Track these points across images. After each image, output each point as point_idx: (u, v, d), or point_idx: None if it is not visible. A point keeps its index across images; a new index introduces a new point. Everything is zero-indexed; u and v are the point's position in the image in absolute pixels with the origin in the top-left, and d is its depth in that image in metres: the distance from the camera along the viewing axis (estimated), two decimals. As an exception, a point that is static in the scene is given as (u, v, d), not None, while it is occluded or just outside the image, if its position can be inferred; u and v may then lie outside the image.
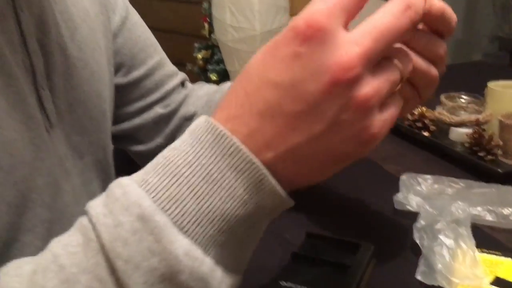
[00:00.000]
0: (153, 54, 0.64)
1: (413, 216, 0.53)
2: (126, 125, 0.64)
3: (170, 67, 0.67)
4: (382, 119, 0.31)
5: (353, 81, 0.28)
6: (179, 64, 0.73)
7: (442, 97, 0.82)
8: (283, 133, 0.29)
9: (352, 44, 0.28)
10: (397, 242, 0.53)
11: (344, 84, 0.28)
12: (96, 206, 0.31)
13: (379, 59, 0.30)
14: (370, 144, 0.30)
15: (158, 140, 0.65)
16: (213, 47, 2.22)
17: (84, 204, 0.49)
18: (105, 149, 0.55)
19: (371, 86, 0.29)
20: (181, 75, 0.69)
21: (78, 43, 0.50)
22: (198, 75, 2.29)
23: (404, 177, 0.63)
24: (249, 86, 0.30)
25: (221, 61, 2.15)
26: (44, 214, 0.42)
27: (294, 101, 0.28)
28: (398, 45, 0.33)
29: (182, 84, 0.68)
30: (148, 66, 0.63)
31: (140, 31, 0.63)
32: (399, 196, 0.59)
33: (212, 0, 1.98)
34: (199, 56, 2.22)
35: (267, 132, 0.29)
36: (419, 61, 0.35)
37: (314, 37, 0.28)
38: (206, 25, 2.19)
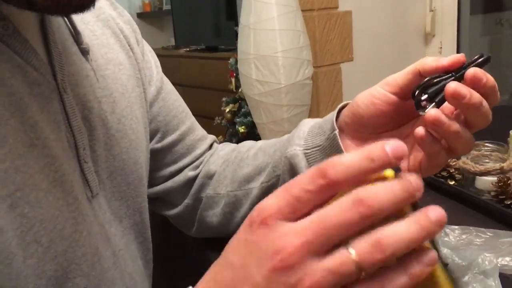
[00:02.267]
0: (185, 120, 0.69)
1: (441, 268, 0.54)
2: (159, 188, 0.68)
3: (200, 131, 0.71)
4: None
5: (289, 271, 0.30)
6: (208, 117, 0.77)
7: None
8: None
9: (292, 236, 0.31)
10: None
11: (281, 273, 0.30)
12: None
13: (327, 248, 0.31)
14: None
15: (186, 201, 0.69)
16: (240, 101, 2.29)
17: (125, 267, 0.53)
18: (142, 212, 0.59)
19: (308, 273, 0.30)
20: (211, 138, 0.73)
21: (117, 116, 0.54)
22: (227, 127, 2.35)
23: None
24: (217, 263, 0.35)
25: (248, 114, 2.21)
26: (83, 283, 0.45)
27: (244, 282, 0.32)
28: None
29: (211, 146, 0.72)
30: (180, 131, 0.68)
31: (173, 99, 0.68)
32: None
33: (238, 57, 2.06)
34: (227, 109, 2.29)
35: None
36: (454, 126, 0.39)
37: (261, 227, 0.32)
38: (233, 80, 2.27)
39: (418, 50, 2.38)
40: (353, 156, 0.31)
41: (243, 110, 2.28)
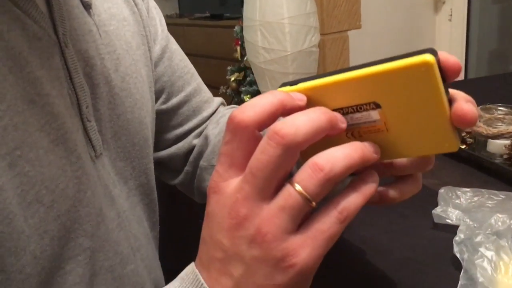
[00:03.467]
0: (191, 81, 0.67)
1: (453, 229, 0.53)
2: (163, 153, 0.67)
3: (206, 93, 0.69)
4: (299, 243, 0.31)
5: (244, 223, 0.31)
6: (213, 87, 0.75)
7: (479, 109, 0.82)
8: (218, 279, 0.33)
9: (234, 192, 0.32)
10: (437, 256, 0.53)
11: (238, 228, 0.32)
12: None
13: (271, 190, 0.31)
14: (298, 272, 0.31)
15: (186, 168, 0.68)
16: (245, 69, 2.27)
17: (130, 228, 0.52)
18: (148, 173, 0.57)
19: (261, 218, 0.31)
20: (217, 101, 0.71)
21: (121, 74, 0.53)
22: (232, 97, 2.33)
23: (442, 191, 0.63)
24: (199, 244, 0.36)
25: (253, 83, 2.19)
26: (86, 243, 0.44)
27: (215, 250, 0.33)
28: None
29: (217, 109, 0.71)
30: (186, 93, 0.66)
31: (178, 59, 0.66)
32: (438, 210, 0.59)
33: (244, 24, 2.03)
34: (232, 78, 2.27)
35: (211, 279, 0.33)
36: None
37: (211, 197, 0.34)
38: (238, 48, 2.24)
39: (428, 18, 2.33)
40: (259, 97, 0.32)
41: (248, 79, 2.27)
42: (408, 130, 0.33)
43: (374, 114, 0.33)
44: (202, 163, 0.66)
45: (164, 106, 0.65)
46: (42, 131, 0.40)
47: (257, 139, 0.32)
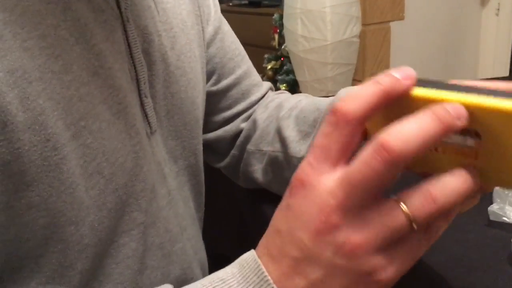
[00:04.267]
0: (241, 64, 0.66)
1: (510, 227, 0.51)
2: (210, 135, 0.66)
3: (256, 77, 0.68)
4: (388, 260, 0.30)
5: (333, 230, 0.29)
6: None
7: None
8: (290, 276, 0.31)
9: (328, 196, 0.30)
10: (494, 254, 0.51)
11: (326, 233, 0.29)
12: None
13: (366, 202, 0.29)
14: (381, 287, 0.30)
15: (233, 151, 0.67)
16: (282, 58, 2.25)
17: (178, 207, 0.52)
18: (197, 154, 0.57)
19: (355, 229, 0.29)
20: (267, 85, 0.70)
21: (177, 52, 0.52)
22: (267, 85, 2.32)
23: (498, 188, 0.60)
24: (266, 233, 0.34)
25: (290, 72, 2.17)
26: (140, 218, 0.44)
27: (293, 247, 0.31)
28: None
29: (266, 93, 0.70)
30: (236, 75, 0.65)
31: (229, 41, 0.65)
32: (494, 207, 0.57)
33: (284, 11, 2.01)
34: (269, 66, 2.25)
35: (280, 273, 0.32)
36: None
37: (298, 190, 0.31)
38: (276, 36, 2.22)
39: (474, 12, 2.25)
40: (362, 87, 0.30)
41: (285, 67, 2.24)
42: (497, 165, 0.31)
43: (470, 142, 0.31)
44: (250, 147, 0.65)
45: (214, 88, 0.64)
46: (105, 103, 0.40)
47: (358, 134, 0.30)
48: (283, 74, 2.21)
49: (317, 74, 1.94)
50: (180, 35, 0.53)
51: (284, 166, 0.60)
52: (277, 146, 0.61)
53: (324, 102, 0.59)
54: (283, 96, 0.68)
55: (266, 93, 0.70)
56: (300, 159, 0.57)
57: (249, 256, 0.33)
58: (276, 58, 2.26)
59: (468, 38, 2.25)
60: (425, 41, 2.07)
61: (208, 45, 0.62)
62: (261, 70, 2.42)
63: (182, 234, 0.51)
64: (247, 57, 0.68)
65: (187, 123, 0.54)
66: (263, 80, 0.70)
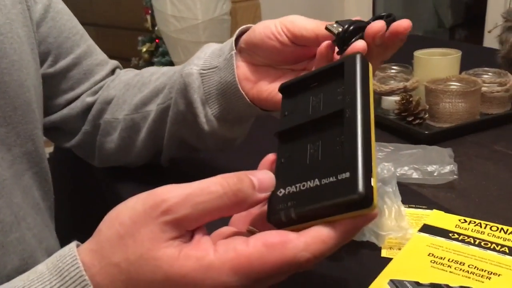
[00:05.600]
0: (80, 43, 0.63)
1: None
2: (55, 116, 0.63)
3: (99, 55, 0.66)
4: None
5: None
6: (124, 59, 0.72)
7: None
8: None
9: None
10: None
11: None
12: None
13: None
14: None
15: (84, 127, 0.65)
16: (157, 40, 2.20)
17: (12, 197, 0.49)
18: (35, 140, 0.54)
19: None
20: (112, 63, 0.68)
21: (-7, 33, 0.49)
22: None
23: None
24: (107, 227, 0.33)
25: (166, 53, 2.14)
26: None
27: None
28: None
29: (113, 72, 0.68)
30: (75, 55, 0.62)
31: (64, 19, 0.62)
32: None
33: (152, -9, 1.96)
34: (144, 49, 2.20)
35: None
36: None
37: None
38: (149, 17, 2.17)
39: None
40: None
41: (160, 49, 2.20)
42: None
43: None
44: (106, 117, 0.64)
45: (51, 70, 0.61)
46: None
47: None
48: (159, 56, 2.18)
49: (191, 54, 1.93)
50: (-4, 14, 0.50)
51: (140, 125, 0.61)
52: (132, 108, 0.62)
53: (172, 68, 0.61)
54: (137, 70, 0.68)
55: (113, 69, 0.68)
56: (156, 112, 0.60)
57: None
58: (151, 40, 2.21)
59: (333, 6, 2.37)
60: (293, 13, 2.15)
61: (39, 24, 0.58)
62: (136, 53, 2.35)
63: (20, 223, 0.49)
64: (87, 35, 0.65)
65: (18, 107, 0.51)
66: (139, 63, 0.69)
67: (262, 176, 0.33)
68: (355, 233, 0.32)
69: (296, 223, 0.32)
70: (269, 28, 0.50)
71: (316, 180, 0.32)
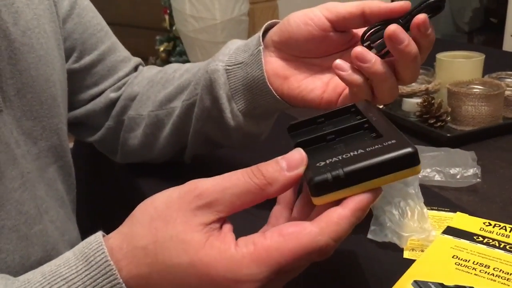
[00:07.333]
0: (104, 39, 0.64)
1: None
2: (79, 111, 0.64)
3: (122, 52, 0.67)
4: None
5: None
6: (142, 58, 0.73)
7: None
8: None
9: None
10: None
11: None
12: None
13: None
14: None
15: (108, 123, 0.66)
16: (174, 39, 2.21)
17: (35, 190, 0.49)
18: (60, 134, 0.55)
19: None
20: (135, 60, 0.69)
21: (22, 28, 0.49)
22: (162, 68, 2.28)
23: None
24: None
25: (183, 53, 2.15)
26: None
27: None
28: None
29: (136, 69, 0.68)
30: (99, 51, 0.63)
31: (90, 16, 0.63)
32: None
33: (171, -9, 1.97)
34: (161, 48, 2.21)
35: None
36: (378, 66, 0.43)
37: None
38: (167, 17, 2.18)
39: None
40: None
41: (178, 48, 2.22)
42: None
43: None
44: (130, 113, 0.64)
45: (76, 65, 0.62)
46: None
47: None
48: (176, 56, 2.19)
49: (209, 54, 1.94)
50: (25, 10, 0.50)
51: (164, 121, 0.62)
52: (156, 105, 0.62)
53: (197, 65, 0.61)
54: (160, 67, 0.68)
55: (136, 66, 0.69)
56: (181, 108, 0.60)
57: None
58: (169, 40, 2.23)
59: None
60: (311, 17, 2.14)
61: (65, 20, 0.59)
62: (154, 52, 2.37)
63: (42, 216, 0.49)
64: (110, 32, 0.66)
65: (44, 101, 0.52)
66: (156, 62, 0.69)
67: (289, 154, 0.33)
68: (365, 211, 0.32)
69: (341, 186, 0.31)
70: (307, 14, 0.49)
71: (360, 150, 0.32)
